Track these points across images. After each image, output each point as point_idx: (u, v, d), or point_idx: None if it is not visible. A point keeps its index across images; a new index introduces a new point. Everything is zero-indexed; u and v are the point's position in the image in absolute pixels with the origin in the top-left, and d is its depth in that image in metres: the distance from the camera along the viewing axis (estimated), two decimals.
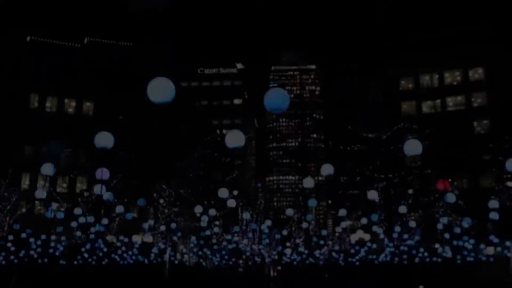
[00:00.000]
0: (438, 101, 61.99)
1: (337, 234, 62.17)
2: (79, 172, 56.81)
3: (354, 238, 30.88)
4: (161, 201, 51.69)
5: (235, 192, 52.83)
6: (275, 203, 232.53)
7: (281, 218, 62.31)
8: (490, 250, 28.94)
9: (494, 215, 21.47)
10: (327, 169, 16.43)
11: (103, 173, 16.21)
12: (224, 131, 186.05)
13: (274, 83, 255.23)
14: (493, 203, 21.77)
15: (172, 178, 47.80)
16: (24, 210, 51.85)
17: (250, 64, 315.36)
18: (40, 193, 18.35)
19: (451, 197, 21.54)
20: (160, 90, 7.42)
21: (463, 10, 78.41)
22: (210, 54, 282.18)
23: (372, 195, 25.23)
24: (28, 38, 76.38)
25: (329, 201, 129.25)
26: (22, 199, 54.52)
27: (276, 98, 10.18)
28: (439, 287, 24.37)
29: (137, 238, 34.37)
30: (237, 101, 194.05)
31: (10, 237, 27.21)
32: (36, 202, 61.56)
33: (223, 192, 23.24)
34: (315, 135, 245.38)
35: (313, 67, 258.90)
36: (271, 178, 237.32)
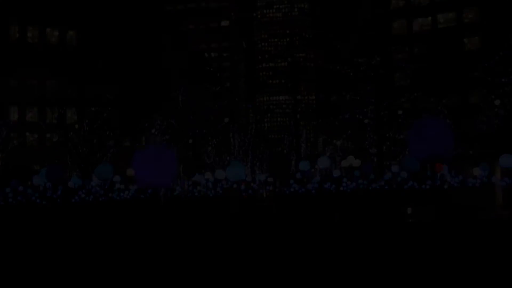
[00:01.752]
0: (429, 18, 60.84)
1: (328, 154, 63.72)
2: (67, 104, 56.15)
3: (345, 164, 31.55)
4: (153, 130, 52.04)
5: (226, 120, 53.30)
6: (266, 124, 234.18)
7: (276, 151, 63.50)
8: (476, 171, 29.75)
9: (484, 171, 22.12)
10: (323, 162, 16.80)
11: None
12: (212, 54, 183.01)
13: (261, 2, 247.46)
14: (483, 170, 22.52)
15: (162, 108, 47.74)
16: (15, 142, 51.95)
17: None
18: (38, 179, 18.75)
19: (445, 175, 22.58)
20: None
21: None
22: None
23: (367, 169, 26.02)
24: None
25: (320, 120, 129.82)
26: (12, 131, 54.48)
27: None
28: (425, 209, 25.37)
29: (131, 172, 34.76)
30: (224, 23, 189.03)
31: (7, 190, 27.61)
32: (27, 133, 61.46)
33: (220, 174, 24.14)
34: (304, 54, 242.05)
35: None
36: (261, 98, 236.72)
